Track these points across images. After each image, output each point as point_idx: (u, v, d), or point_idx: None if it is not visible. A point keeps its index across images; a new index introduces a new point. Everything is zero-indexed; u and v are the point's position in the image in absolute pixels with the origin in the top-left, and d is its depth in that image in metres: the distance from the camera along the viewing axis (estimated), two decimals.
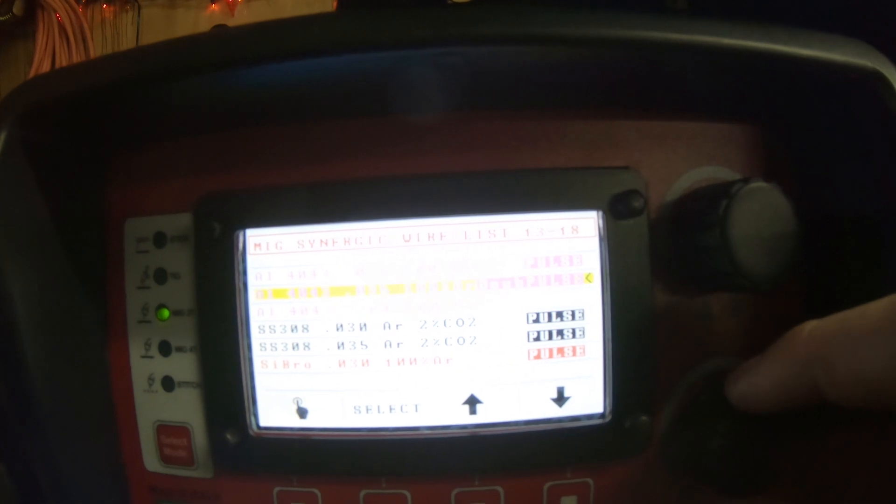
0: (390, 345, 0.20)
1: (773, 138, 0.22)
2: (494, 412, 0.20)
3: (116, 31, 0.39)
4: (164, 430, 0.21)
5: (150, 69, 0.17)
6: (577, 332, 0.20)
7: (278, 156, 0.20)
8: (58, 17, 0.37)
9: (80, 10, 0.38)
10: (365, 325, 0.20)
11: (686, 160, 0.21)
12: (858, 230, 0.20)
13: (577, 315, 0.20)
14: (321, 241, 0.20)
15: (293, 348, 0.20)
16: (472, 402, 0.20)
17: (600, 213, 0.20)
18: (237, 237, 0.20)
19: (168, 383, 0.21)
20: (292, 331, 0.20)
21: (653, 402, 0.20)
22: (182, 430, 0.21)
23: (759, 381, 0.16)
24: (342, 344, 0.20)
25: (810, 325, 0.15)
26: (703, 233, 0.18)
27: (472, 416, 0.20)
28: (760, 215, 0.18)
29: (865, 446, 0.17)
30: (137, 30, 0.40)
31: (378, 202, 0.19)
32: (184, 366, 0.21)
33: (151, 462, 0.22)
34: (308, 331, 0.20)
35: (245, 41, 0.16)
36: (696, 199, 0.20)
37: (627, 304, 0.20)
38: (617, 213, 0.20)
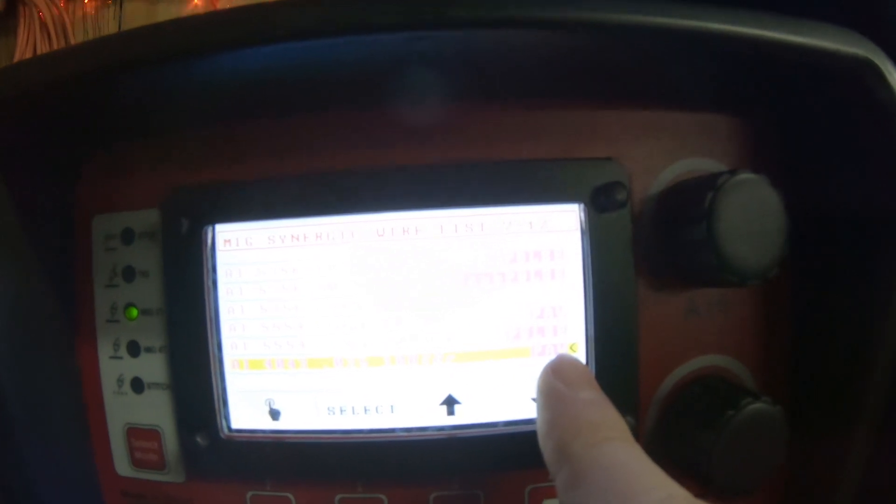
0: (364, 343, 0.18)
1: (759, 130, 0.20)
2: (473, 413, 0.19)
3: (98, 25, 0.38)
4: (135, 433, 0.20)
5: (110, 58, 0.16)
6: (559, 330, 0.19)
7: (248, 150, 0.19)
8: (39, 14, 0.36)
9: (61, 5, 0.36)
10: (339, 322, 0.18)
11: (670, 152, 0.20)
12: (846, 224, 0.19)
13: (557, 312, 0.19)
14: (292, 236, 0.18)
15: (264, 347, 0.19)
16: (450, 402, 0.19)
17: (582, 205, 0.19)
18: (206, 233, 0.18)
19: (137, 385, 0.20)
20: (264, 329, 0.19)
21: (637, 402, 0.19)
22: (152, 434, 0.20)
23: None
24: (315, 343, 0.18)
25: None
26: (688, 226, 0.17)
27: (450, 417, 0.19)
28: (748, 208, 0.17)
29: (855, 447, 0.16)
30: (119, 25, 0.38)
31: (350, 195, 0.18)
32: (153, 367, 0.19)
33: (123, 466, 0.20)
34: (280, 329, 0.18)
35: (209, 25, 0.15)
36: (681, 191, 0.19)
37: (610, 300, 0.19)
38: (599, 205, 0.18)
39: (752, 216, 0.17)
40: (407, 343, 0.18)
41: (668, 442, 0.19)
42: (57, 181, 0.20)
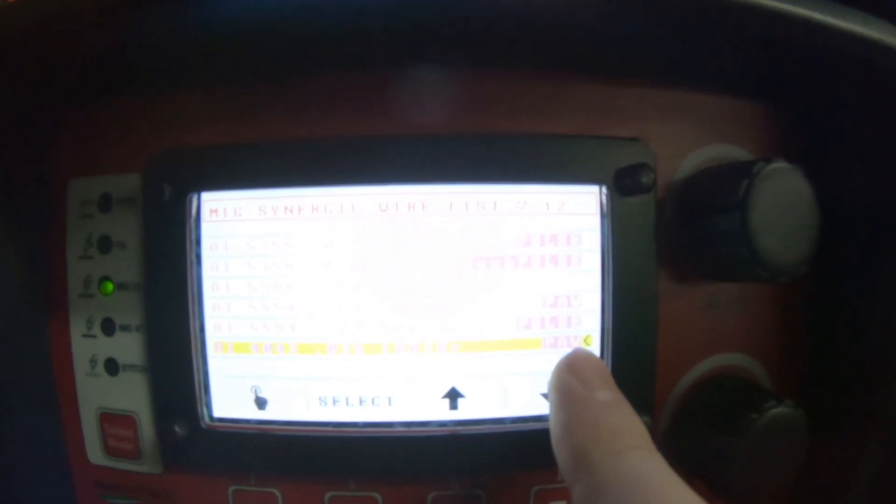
0: (361, 327, 0.17)
1: (786, 119, 0.19)
2: (478, 408, 0.17)
3: None
4: (108, 419, 0.18)
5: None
6: (573, 321, 0.17)
7: (240, 111, 0.17)
8: None
9: None
10: (334, 304, 0.17)
11: (697, 136, 0.18)
12: (870, 220, 0.18)
13: (572, 301, 0.17)
14: (285, 207, 0.17)
15: (251, 329, 0.17)
16: (453, 395, 0.17)
17: (604, 187, 0.17)
18: (190, 201, 0.17)
19: (112, 366, 0.18)
20: (251, 309, 0.17)
21: (653, 401, 0.18)
22: (127, 420, 0.18)
23: None
24: (307, 326, 0.17)
25: None
26: (719, 216, 0.16)
27: (453, 411, 0.17)
28: (782, 200, 0.16)
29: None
30: None
31: (352, 164, 0.16)
32: (129, 347, 0.18)
33: (95, 454, 0.18)
34: (269, 310, 0.17)
35: None
36: (711, 178, 0.17)
37: (630, 291, 0.17)
38: (623, 188, 0.17)
39: (786, 208, 0.16)
40: (408, 330, 0.17)
41: (681, 444, 0.18)
42: (31, 141, 0.18)
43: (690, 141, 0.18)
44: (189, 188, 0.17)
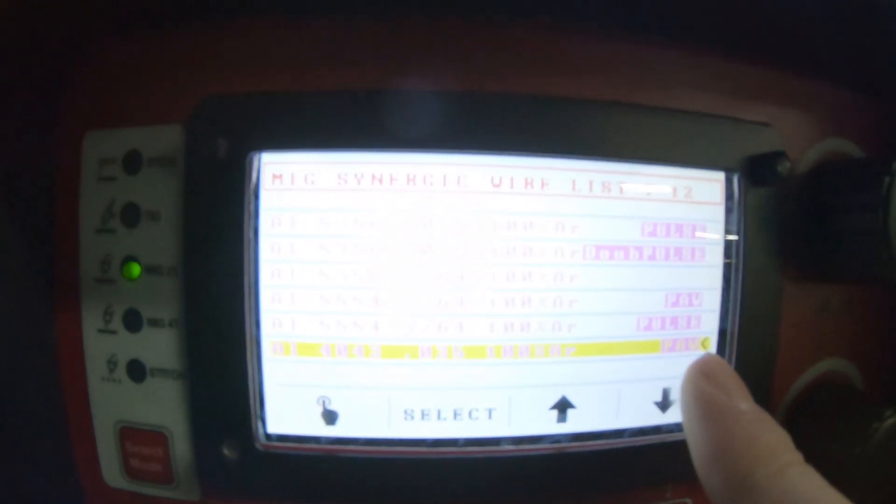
0: (460, 327, 0.13)
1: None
2: (589, 419, 0.14)
3: None
4: (131, 435, 0.14)
5: None
6: (693, 322, 0.15)
7: (320, 52, 0.13)
8: None
9: None
10: (430, 299, 0.13)
11: (820, 128, 0.17)
12: None
13: (693, 300, 0.15)
14: (373, 175, 0.13)
15: (321, 327, 0.13)
16: (563, 406, 0.14)
17: (736, 175, 0.15)
18: (250, 162, 0.13)
19: (137, 370, 0.14)
20: (322, 302, 0.13)
21: (768, 407, 0.16)
22: (156, 437, 0.14)
23: None
24: (394, 324, 0.13)
25: None
26: (856, 214, 0.15)
27: (561, 424, 0.14)
28: None
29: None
30: None
31: (462, 127, 0.13)
32: (159, 346, 0.14)
33: (113, 475, 0.15)
34: (346, 304, 0.13)
35: None
36: (843, 172, 0.16)
37: (756, 291, 0.15)
38: (755, 177, 0.15)
39: None
40: (516, 329, 0.14)
41: None
42: (39, 85, 0.14)
43: (815, 132, 0.16)
44: (247, 146, 0.13)
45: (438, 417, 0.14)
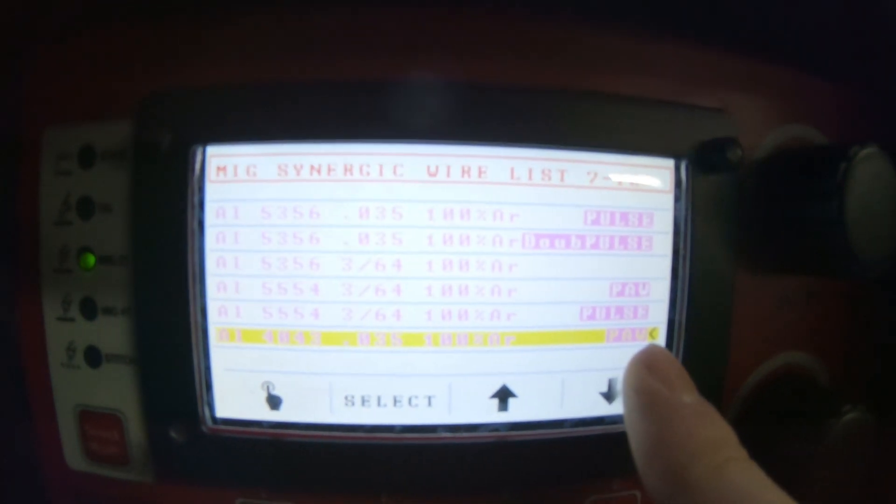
0: (399, 315, 0.14)
1: (863, 103, 0.17)
2: (531, 409, 0.14)
3: None
4: (89, 418, 0.15)
5: None
6: (640, 312, 0.15)
7: (260, 44, 0.14)
8: None
9: None
10: (367, 286, 0.14)
11: (778, 113, 0.16)
12: None
13: (640, 290, 0.15)
14: (312, 166, 0.13)
15: (264, 314, 0.14)
16: (504, 395, 0.14)
17: (684, 162, 0.14)
18: (194, 154, 0.13)
19: (93, 356, 0.14)
20: (264, 290, 0.14)
21: (719, 401, 0.15)
22: (112, 420, 0.14)
23: None
24: (334, 312, 0.14)
25: None
26: (813, 202, 0.14)
27: (502, 413, 0.14)
28: (874, 188, 0.14)
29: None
30: None
31: (397, 116, 0.13)
32: (114, 333, 0.14)
33: (75, 458, 0.15)
34: (286, 291, 0.14)
35: None
36: (799, 159, 0.15)
37: (705, 281, 0.15)
38: (706, 164, 0.15)
39: (877, 198, 0.14)
40: (454, 316, 0.14)
41: (748, 450, 0.16)
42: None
43: (772, 118, 0.16)
44: (192, 139, 0.13)
45: (378, 404, 0.14)
